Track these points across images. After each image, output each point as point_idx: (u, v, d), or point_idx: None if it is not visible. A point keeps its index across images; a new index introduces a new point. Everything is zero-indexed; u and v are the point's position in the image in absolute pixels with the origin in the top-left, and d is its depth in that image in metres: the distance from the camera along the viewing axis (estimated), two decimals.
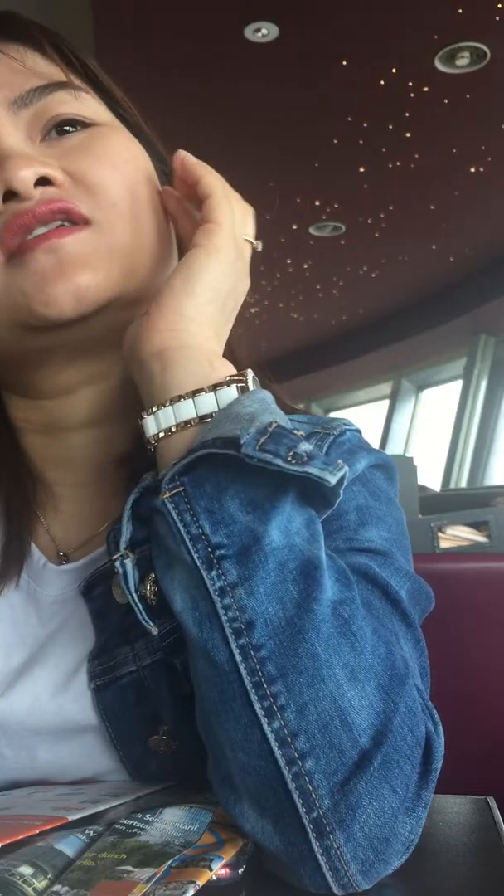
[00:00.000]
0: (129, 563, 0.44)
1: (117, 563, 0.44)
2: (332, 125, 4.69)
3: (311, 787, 0.36)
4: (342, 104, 4.47)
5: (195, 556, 0.40)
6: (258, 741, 0.38)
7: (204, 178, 0.50)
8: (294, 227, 5.97)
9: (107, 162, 0.50)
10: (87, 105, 0.52)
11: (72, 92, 0.52)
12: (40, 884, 0.35)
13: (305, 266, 6.82)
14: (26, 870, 0.36)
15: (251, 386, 0.44)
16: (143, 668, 0.47)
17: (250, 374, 0.45)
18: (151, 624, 0.44)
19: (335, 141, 4.87)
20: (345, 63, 4.08)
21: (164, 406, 0.44)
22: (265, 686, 0.38)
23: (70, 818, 0.40)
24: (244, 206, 0.52)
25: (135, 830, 0.40)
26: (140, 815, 0.42)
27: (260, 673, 0.38)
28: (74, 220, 0.48)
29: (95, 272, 0.47)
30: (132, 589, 0.44)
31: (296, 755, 0.37)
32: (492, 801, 0.48)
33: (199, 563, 0.39)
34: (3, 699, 0.50)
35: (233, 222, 0.49)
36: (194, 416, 0.43)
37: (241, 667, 0.38)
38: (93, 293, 0.47)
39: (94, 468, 0.54)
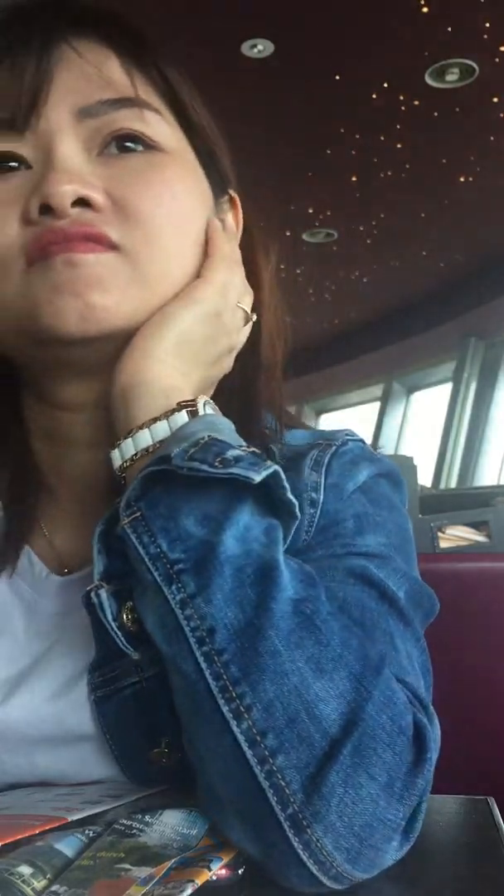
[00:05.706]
0: (104, 593, 0.45)
1: (92, 594, 0.45)
2: (326, 136, 4.71)
3: (283, 784, 0.36)
4: (336, 117, 4.50)
5: (155, 573, 0.41)
6: (230, 745, 0.38)
7: (212, 241, 0.51)
8: (287, 233, 5.99)
9: (154, 193, 0.48)
10: (154, 127, 0.50)
11: (138, 111, 0.49)
12: (39, 883, 0.35)
13: (298, 271, 6.83)
14: (25, 869, 0.35)
15: (202, 410, 0.45)
16: (147, 680, 0.47)
17: (202, 399, 0.46)
18: (131, 649, 0.45)
19: (328, 151, 4.90)
20: (338, 78, 4.11)
21: (126, 438, 0.46)
22: (230, 688, 0.38)
23: (70, 818, 0.40)
24: (246, 284, 0.54)
25: (134, 831, 0.40)
26: (140, 816, 0.42)
27: (224, 676, 0.38)
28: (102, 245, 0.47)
29: (108, 295, 0.47)
30: (110, 618, 0.45)
31: (266, 753, 0.37)
32: (492, 801, 0.48)
33: (159, 580, 0.40)
34: (0, 708, 0.50)
35: (225, 284, 0.51)
36: (150, 443, 0.45)
37: (207, 672, 0.38)
38: (99, 315, 0.46)
39: (97, 486, 0.53)
